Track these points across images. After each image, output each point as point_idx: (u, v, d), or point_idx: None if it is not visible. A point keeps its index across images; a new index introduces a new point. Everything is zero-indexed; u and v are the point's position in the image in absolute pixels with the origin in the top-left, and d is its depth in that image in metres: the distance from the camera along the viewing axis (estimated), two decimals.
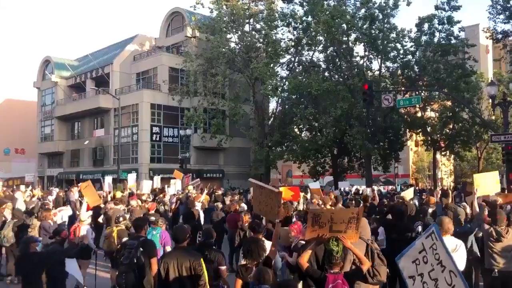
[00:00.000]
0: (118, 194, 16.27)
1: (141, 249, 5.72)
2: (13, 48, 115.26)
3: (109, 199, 15.46)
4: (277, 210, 5.10)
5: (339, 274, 4.26)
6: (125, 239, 7.62)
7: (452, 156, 41.45)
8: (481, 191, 8.31)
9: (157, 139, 37.64)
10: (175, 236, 5.39)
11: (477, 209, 6.74)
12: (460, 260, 5.43)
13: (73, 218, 11.87)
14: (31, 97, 52.49)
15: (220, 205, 13.05)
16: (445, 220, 5.71)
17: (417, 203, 12.55)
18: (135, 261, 5.66)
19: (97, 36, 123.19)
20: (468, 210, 8.55)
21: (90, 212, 11.10)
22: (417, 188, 30.41)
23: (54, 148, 45.42)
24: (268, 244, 5.85)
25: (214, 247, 6.41)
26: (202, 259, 5.15)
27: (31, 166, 49.73)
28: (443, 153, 40.84)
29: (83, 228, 8.70)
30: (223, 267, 5.76)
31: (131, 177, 19.97)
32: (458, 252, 5.48)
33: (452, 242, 5.47)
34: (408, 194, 12.36)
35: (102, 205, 12.19)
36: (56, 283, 6.06)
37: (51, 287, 5.87)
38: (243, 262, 5.21)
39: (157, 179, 21.08)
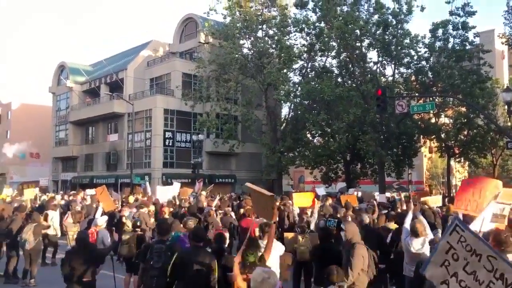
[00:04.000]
0: (131, 199, 16.43)
1: (169, 253, 5.78)
2: (28, 53, 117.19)
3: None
4: (272, 212, 5.31)
5: None
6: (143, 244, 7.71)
7: (467, 162, 40.85)
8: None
9: (170, 144, 37.85)
10: (195, 235, 5.57)
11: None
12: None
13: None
14: (46, 102, 53.40)
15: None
16: (417, 225, 6.46)
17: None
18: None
19: (111, 42, 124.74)
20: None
21: (106, 217, 11.23)
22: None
23: (68, 152, 45.93)
24: (279, 246, 5.98)
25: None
26: (216, 259, 5.47)
27: (45, 171, 50.39)
28: (457, 160, 40.34)
29: (101, 233, 8.79)
30: (230, 273, 5.70)
31: (148, 186, 20.57)
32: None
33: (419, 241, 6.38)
34: (434, 201, 11.78)
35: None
36: (93, 280, 6.25)
37: (90, 284, 6.09)
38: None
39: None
